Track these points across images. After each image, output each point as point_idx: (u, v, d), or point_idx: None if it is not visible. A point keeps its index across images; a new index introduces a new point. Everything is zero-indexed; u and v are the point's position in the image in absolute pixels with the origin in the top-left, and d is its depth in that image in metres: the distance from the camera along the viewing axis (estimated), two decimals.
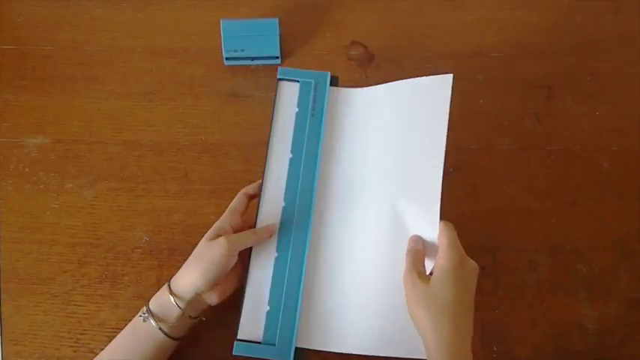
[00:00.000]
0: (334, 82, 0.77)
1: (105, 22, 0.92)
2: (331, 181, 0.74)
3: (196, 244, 0.77)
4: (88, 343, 0.75)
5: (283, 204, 0.72)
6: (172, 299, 0.66)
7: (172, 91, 0.88)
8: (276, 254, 0.71)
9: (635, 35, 0.92)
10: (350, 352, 0.70)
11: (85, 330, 0.76)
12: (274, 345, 0.69)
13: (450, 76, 0.70)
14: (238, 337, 0.69)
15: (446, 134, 0.67)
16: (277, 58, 0.88)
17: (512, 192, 0.83)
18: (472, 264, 0.64)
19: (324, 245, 0.72)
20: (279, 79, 0.77)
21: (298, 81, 0.77)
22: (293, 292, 0.70)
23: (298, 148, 0.74)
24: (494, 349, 0.76)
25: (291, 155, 0.74)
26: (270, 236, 0.71)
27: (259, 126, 0.85)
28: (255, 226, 0.72)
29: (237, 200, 0.72)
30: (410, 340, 0.67)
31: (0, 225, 0.81)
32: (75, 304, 0.77)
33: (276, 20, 0.87)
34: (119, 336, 0.68)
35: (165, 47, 0.90)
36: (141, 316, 0.67)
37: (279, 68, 0.77)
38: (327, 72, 0.77)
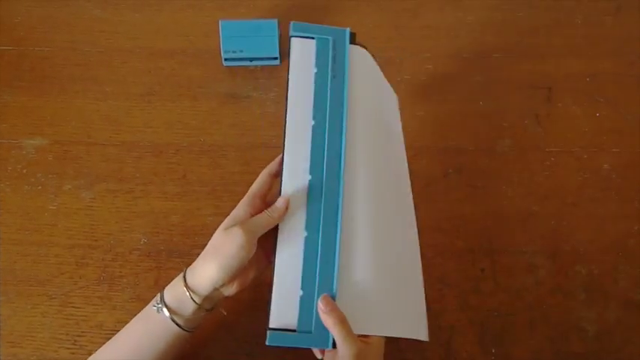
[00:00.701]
0: (352, 39, 0.70)
1: (103, 23, 0.92)
2: (359, 149, 0.67)
3: (195, 246, 0.78)
4: (86, 345, 0.75)
5: (309, 177, 0.64)
6: (188, 293, 0.63)
7: (171, 92, 0.88)
8: (305, 233, 0.63)
9: (635, 36, 0.92)
10: (389, 335, 0.65)
11: (82, 332, 0.76)
12: (311, 332, 0.62)
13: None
14: (270, 325, 0.62)
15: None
16: (276, 59, 0.88)
17: (511, 193, 0.83)
18: (372, 345, 0.63)
19: (358, 220, 0.65)
20: (292, 37, 0.68)
21: (314, 38, 0.69)
22: (328, 273, 0.62)
23: (321, 113, 0.66)
24: (493, 351, 0.76)
25: (313, 122, 0.66)
26: (286, 208, 0.63)
27: (258, 127, 0.85)
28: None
29: (259, 182, 0.67)
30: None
31: None
32: (73, 306, 0.77)
33: (276, 21, 0.87)
34: (130, 324, 0.66)
35: (163, 48, 0.90)
36: (155, 306, 0.64)
37: (292, 23, 0.69)
38: (345, 28, 0.70)
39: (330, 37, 0.69)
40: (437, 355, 0.75)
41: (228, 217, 0.64)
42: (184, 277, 0.64)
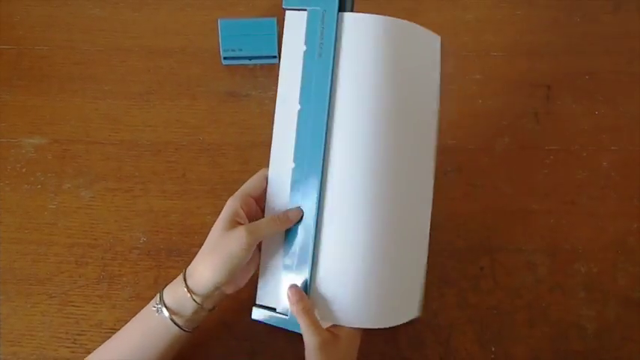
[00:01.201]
0: (347, 5, 0.65)
1: (102, 22, 0.92)
2: (346, 134, 0.64)
3: (194, 245, 0.78)
4: (86, 344, 0.75)
5: (293, 165, 0.64)
6: (189, 295, 0.62)
7: (170, 91, 0.88)
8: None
9: (634, 34, 0.92)
10: (362, 326, 0.65)
11: (82, 331, 0.76)
12: (287, 315, 0.64)
13: (438, 38, 0.69)
14: (257, 301, 0.66)
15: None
16: (275, 57, 0.88)
17: (510, 192, 0.83)
18: (340, 336, 0.63)
19: (333, 209, 0.64)
20: (285, 8, 0.65)
21: (306, 10, 0.64)
22: (303, 259, 0.64)
23: (306, 97, 0.64)
24: (493, 349, 0.76)
25: (299, 107, 0.64)
26: (295, 222, 0.64)
27: (257, 126, 0.85)
28: (265, 195, 0.66)
29: (254, 182, 0.67)
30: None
31: None
32: (72, 305, 0.77)
33: (274, 20, 0.87)
34: (129, 324, 0.66)
35: (162, 47, 0.90)
36: (154, 307, 0.64)
37: None
38: None
39: (319, 8, 0.64)
40: (436, 353, 0.75)
41: (224, 214, 0.64)
42: (184, 277, 0.64)
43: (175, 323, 0.63)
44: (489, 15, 0.93)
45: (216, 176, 0.83)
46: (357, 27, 0.64)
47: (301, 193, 0.64)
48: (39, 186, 0.83)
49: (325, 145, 0.63)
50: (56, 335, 0.76)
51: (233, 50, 0.87)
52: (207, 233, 0.76)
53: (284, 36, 0.66)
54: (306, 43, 0.64)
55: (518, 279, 0.79)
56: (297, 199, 0.65)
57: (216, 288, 0.63)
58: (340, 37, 0.64)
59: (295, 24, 0.65)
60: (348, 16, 0.64)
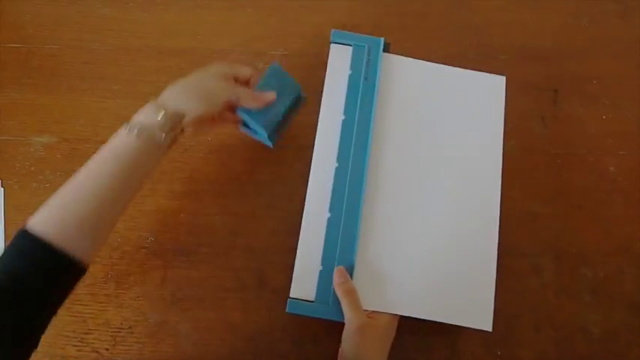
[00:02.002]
0: (387, 48, 0.79)
1: (111, 22, 0.92)
2: (384, 145, 0.75)
3: (201, 245, 0.78)
4: (93, 343, 0.76)
5: (336, 164, 0.73)
6: (157, 109, 0.66)
7: None
8: (328, 214, 0.72)
9: None
10: (403, 314, 0.70)
11: (89, 329, 0.76)
12: (328, 304, 0.69)
13: (503, 78, 0.79)
14: (291, 295, 0.69)
15: (502, 132, 0.77)
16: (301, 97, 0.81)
17: (517, 195, 0.83)
18: (378, 323, 0.68)
19: (379, 206, 0.73)
20: (333, 43, 0.79)
21: (351, 45, 0.79)
22: (347, 252, 0.70)
23: (351, 110, 0.76)
24: (499, 353, 0.76)
25: (344, 117, 0.75)
26: (269, 103, 0.73)
27: None
28: (305, 202, 0.73)
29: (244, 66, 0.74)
30: (465, 308, 0.71)
31: (5, 223, 0.81)
32: (80, 304, 0.77)
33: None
34: (95, 157, 0.65)
35: (171, 47, 0.90)
36: (125, 127, 0.65)
37: (333, 31, 0.79)
38: (380, 38, 0.79)
39: (365, 45, 0.78)
40: (442, 356, 0.76)
41: (212, 65, 0.72)
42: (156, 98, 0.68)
43: (149, 136, 0.64)
44: (497, 18, 0.93)
45: (224, 177, 0.83)
46: (398, 64, 0.80)
47: (346, 188, 0.73)
48: (47, 184, 0.83)
49: (370, 148, 0.74)
50: (63, 334, 0.76)
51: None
52: (215, 233, 0.76)
53: (329, 62, 0.79)
54: (352, 68, 0.78)
55: (524, 283, 0.79)
56: (341, 195, 0.73)
57: (183, 115, 0.66)
58: (384, 70, 0.78)
59: (340, 55, 0.79)
60: (390, 56, 0.80)
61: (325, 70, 0.78)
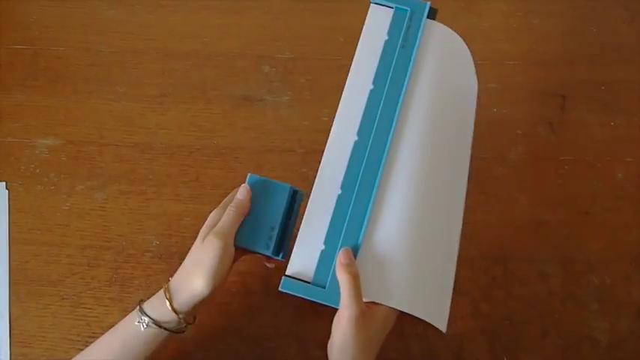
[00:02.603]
0: (433, 14, 0.71)
1: (117, 24, 0.92)
2: (413, 121, 0.67)
3: None
4: None
5: (356, 138, 0.65)
6: (175, 314, 0.62)
7: (184, 94, 0.88)
8: (339, 191, 0.64)
9: None
10: (398, 308, 0.63)
11: (93, 333, 0.76)
12: (324, 287, 0.62)
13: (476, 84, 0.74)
14: (287, 272, 0.62)
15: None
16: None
17: (524, 202, 0.82)
18: (376, 314, 0.62)
19: (395, 188, 0.65)
20: (372, 3, 0.70)
21: (393, 7, 0.70)
22: (354, 233, 0.63)
23: (381, 80, 0.67)
24: (505, 359, 0.75)
25: (372, 87, 0.67)
26: (249, 198, 0.66)
27: (271, 131, 0.85)
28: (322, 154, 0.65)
29: (234, 194, 0.68)
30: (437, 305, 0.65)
31: (10, 226, 0.81)
32: (84, 307, 0.77)
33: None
34: (105, 337, 0.65)
35: (177, 49, 0.90)
36: (138, 322, 0.63)
37: None
38: (427, 2, 0.70)
39: (408, 9, 0.70)
40: None
41: (203, 227, 0.65)
42: (168, 297, 0.63)
43: (164, 328, 0.63)
44: (505, 24, 0.92)
45: (230, 180, 0.83)
46: (440, 37, 0.71)
47: (364, 166, 0.65)
48: (52, 187, 0.83)
49: (395, 125, 0.65)
50: (67, 337, 0.76)
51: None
52: None
53: (365, 24, 0.69)
54: (389, 34, 0.69)
55: (530, 289, 0.78)
56: (356, 172, 0.64)
57: (203, 301, 0.63)
58: (425, 39, 0.70)
59: (378, 18, 0.70)
60: (437, 25, 0.72)
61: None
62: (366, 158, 0.65)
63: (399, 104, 0.66)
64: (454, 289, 0.77)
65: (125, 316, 0.76)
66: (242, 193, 0.66)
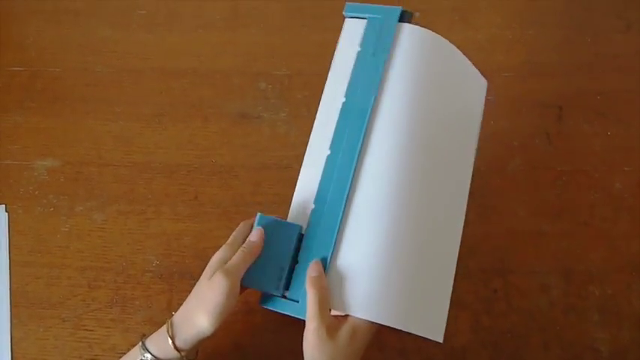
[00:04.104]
0: (405, 17, 0.69)
1: (114, 44, 0.92)
2: (380, 132, 0.66)
3: None
4: None
5: (328, 152, 0.66)
6: (176, 352, 0.61)
7: (182, 113, 0.88)
8: (312, 206, 0.65)
9: None
10: (373, 320, 0.61)
11: (95, 355, 0.75)
12: (298, 302, 0.62)
13: (485, 82, 0.74)
14: (264, 288, 0.64)
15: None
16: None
17: (523, 213, 0.82)
18: (347, 326, 0.61)
19: (363, 202, 0.64)
20: (346, 17, 0.70)
21: (366, 18, 0.69)
22: (325, 249, 0.63)
23: (353, 91, 0.67)
24: None
25: (344, 99, 0.67)
26: (262, 241, 0.64)
27: (269, 147, 0.85)
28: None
29: (239, 230, 0.67)
30: (427, 316, 0.64)
31: (10, 248, 0.81)
32: (85, 329, 0.77)
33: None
34: None
35: (174, 68, 0.90)
36: (141, 358, 0.62)
37: (347, 4, 0.71)
38: (398, 7, 0.69)
39: (380, 16, 0.69)
40: None
41: (211, 262, 0.64)
42: (171, 334, 0.62)
43: None
44: (500, 35, 0.93)
45: (229, 198, 0.83)
46: (413, 38, 0.69)
47: (334, 180, 0.65)
48: (51, 209, 0.83)
49: (365, 135, 0.65)
50: (69, 359, 0.76)
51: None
52: None
53: (340, 39, 0.70)
54: (362, 45, 0.68)
55: (532, 301, 0.78)
56: (328, 186, 0.65)
57: (207, 338, 0.62)
58: (396, 43, 0.68)
59: (352, 30, 0.70)
60: (406, 27, 0.69)
61: None
62: (337, 172, 0.65)
63: (368, 115, 0.66)
64: (454, 302, 0.77)
65: (126, 337, 0.76)
66: (255, 235, 0.64)
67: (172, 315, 0.64)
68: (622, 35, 0.93)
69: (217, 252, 0.65)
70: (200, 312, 0.61)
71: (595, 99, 0.89)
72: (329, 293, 0.61)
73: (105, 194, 0.83)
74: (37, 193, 0.84)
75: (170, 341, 0.61)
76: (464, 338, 0.76)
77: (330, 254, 0.63)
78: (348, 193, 0.64)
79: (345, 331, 0.60)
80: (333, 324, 0.60)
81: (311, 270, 0.62)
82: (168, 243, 0.81)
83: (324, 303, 0.60)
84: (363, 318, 0.61)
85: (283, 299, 0.63)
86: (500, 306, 0.78)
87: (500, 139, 0.86)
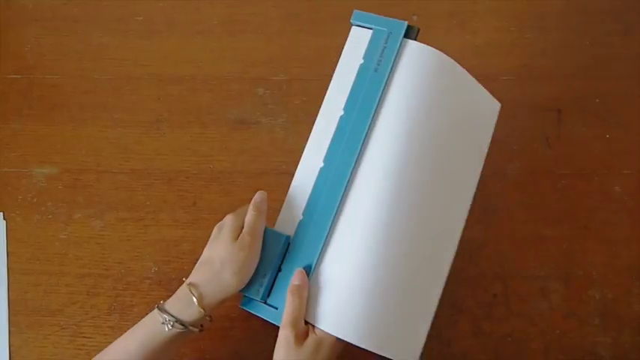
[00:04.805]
0: (411, 34, 0.68)
1: (112, 50, 0.92)
2: (378, 150, 0.65)
3: None
4: None
5: (322, 164, 0.67)
6: (201, 312, 0.63)
7: (180, 119, 0.88)
8: (301, 217, 0.66)
9: None
10: (334, 334, 0.61)
11: None
12: (277, 309, 0.64)
13: (498, 105, 0.74)
14: (245, 291, 0.65)
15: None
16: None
17: (522, 217, 0.82)
18: (315, 337, 0.61)
19: (353, 216, 0.64)
20: (353, 25, 0.70)
21: (372, 29, 0.69)
22: (308, 259, 0.65)
23: (352, 105, 0.67)
24: None
25: (342, 113, 0.67)
26: (266, 201, 0.68)
27: (267, 153, 0.85)
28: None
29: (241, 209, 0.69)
30: (402, 339, 0.63)
31: (8, 256, 0.81)
32: (84, 336, 0.77)
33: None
34: (125, 336, 0.65)
35: (172, 74, 0.90)
36: (163, 322, 0.63)
37: (355, 12, 0.70)
38: (404, 21, 0.68)
39: (386, 29, 0.68)
40: None
41: (225, 227, 0.66)
42: (197, 296, 0.63)
43: (186, 327, 0.64)
44: (499, 39, 0.92)
45: (227, 205, 0.83)
46: (416, 55, 0.68)
47: (324, 194, 0.66)
48: (50, 216, 0.83)
49: (359, 153, 0.66)
50: None
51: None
52: None
53: (345, 48, 0.70)
54: (365, 57, 0.68)
55: (532, 306, 0.78)
56: (318, 199, 0.66)
57: (224, 301, 0.65)
58: (399, 60, 0.67)
59: (358, 40, 0.69)
60: (412, 43, 0.68)
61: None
62: (329, 185, 0.66)
63: (365, 131, 0.66)
64: (454, 307, 0.77)
65: None
66: (258, 195, 0.68)
67: (184, 281, 0.65)
68: (620, 38, 0.92)
69: (225, 219, 0.67)
70: (228, 272, 0.63)
71: (594, 102, 0.88)
72: (306, 303, 0.63)
73: (103, 201, 0.83)
74: (35, 200, 0.84)
75: (196, 302, 0.63)
76: (464, 343, 0.76)
77: (313, 266, 0.64)
78: (338, 209, 0.65)
79: (311, 340, 0.61)
80: (302, 333, 0.62)
81: (295, 278, 0.64)
82: (167, 249, 0.81)
83: (300, 312, 0.62)
84: (326, 331, 0.62)
85: (263, 304, 0.65)
86: (501, 310, 0.78)
87: (499, 144, 0.85)
